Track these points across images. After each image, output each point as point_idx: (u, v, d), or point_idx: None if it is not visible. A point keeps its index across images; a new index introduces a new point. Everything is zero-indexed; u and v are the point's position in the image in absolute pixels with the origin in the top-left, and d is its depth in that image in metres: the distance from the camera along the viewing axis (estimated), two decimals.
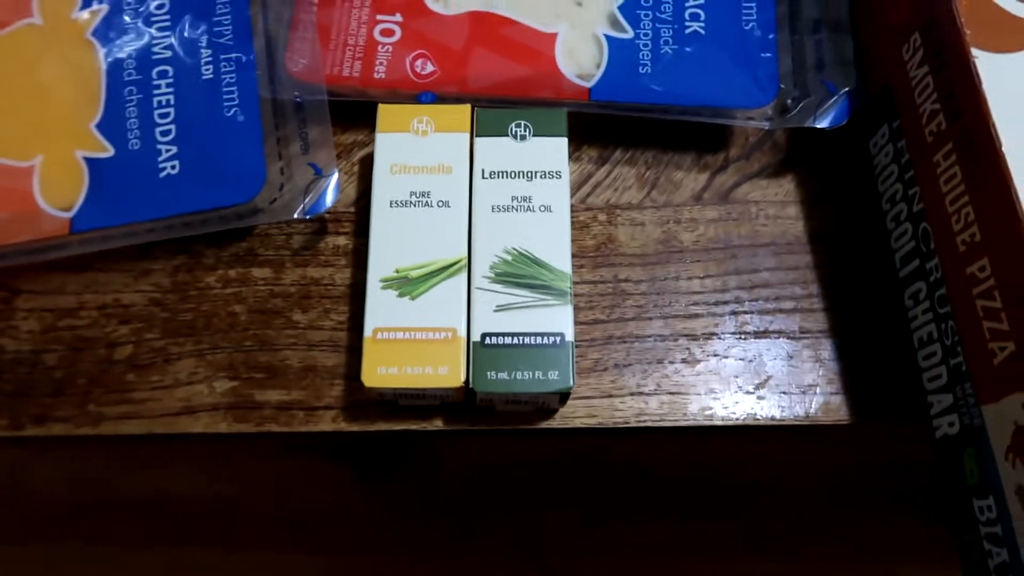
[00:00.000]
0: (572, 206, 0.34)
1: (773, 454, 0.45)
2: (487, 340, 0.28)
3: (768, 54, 0.33)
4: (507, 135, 0.31)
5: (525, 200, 0.30)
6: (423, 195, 0.30)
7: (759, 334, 0.32)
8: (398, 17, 0.34)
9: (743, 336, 0.32)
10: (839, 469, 0.50)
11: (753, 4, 0.34)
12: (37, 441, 0.31)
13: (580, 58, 0.33)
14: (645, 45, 0.33)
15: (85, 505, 0.53)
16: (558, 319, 0.29)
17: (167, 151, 0.31)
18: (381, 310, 0.29)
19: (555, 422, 0.31)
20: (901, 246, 0.32)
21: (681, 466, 0.50)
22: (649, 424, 0.31)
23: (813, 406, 0.31)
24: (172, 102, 0.32)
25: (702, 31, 0.33)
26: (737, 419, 0.31)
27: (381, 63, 0.33)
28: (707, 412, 0.31)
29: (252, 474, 0.50)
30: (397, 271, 0.29)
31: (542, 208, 0.30)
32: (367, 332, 0.28)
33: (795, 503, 0.53)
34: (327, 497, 0.53)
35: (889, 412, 0.31)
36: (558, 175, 0.30)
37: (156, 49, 0.33)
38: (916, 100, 0.29)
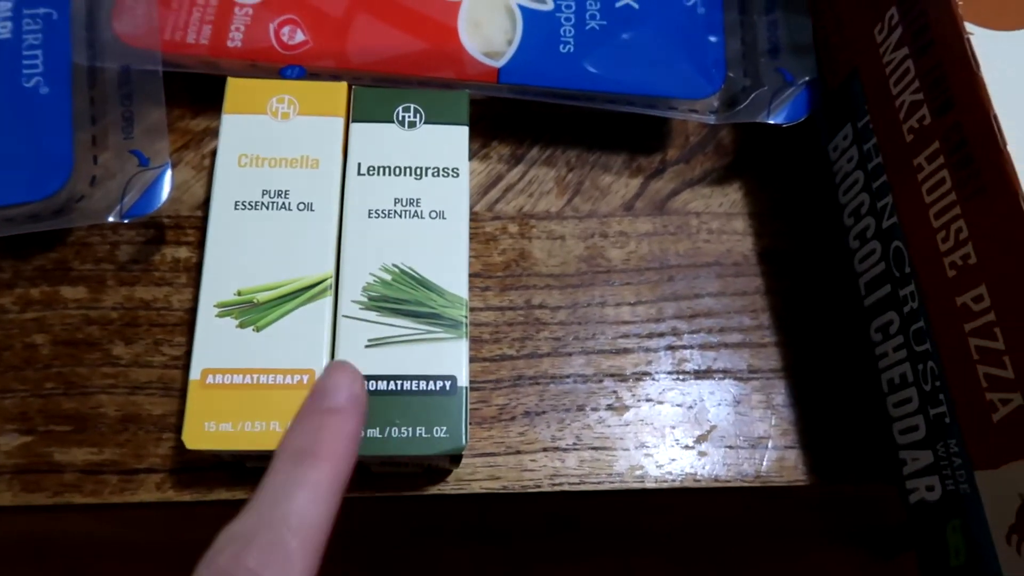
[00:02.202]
0: (475, 213, 0.28)
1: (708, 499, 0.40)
2: None
3: (714, 36, 0.27)
4: (392, 121, 0.25)
5: (412, 203, 0.24)
6: (279, 195, 0.23)
7: (700, 374, 0.26)
8: None
9: (681, 376, 0.26)
10: (780, 506, 0.46)
11: None
12: None
13: (488, 32, 0.27)
14: (567, 19, 0.27)
15: None
16: (449, 358, 0.22)
17: None
18: (214, 345, 0.22)
19: (447, 487, 0.24)
20: (867, 269, 0.26)
21: (605, 510, 0.45)
22: (566, 488, 0.25)
23: (764, 463, 0.26)
24: None
25: (635, 5, 0.28)
26: (674, 480, 0.25)
27: (237, 28, 0.26)
28: (637, 472, 0.25)
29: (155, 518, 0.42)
30: (239, 293, 0.22)
31: (433, 214, 0.24)
32: (194, 374, 0.21)
33: (727, 537, 0.49)
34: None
35: (854, 471, 0.26)
36: (455, 172, 0.24)
37: None
38: (891, 90, 0.24)
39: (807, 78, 0.27)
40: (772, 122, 0.26)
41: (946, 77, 0.21)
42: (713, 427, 0.26)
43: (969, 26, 0.21)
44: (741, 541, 0.49)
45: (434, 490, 0.24)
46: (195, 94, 0.28)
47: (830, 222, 0.28)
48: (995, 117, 0.20)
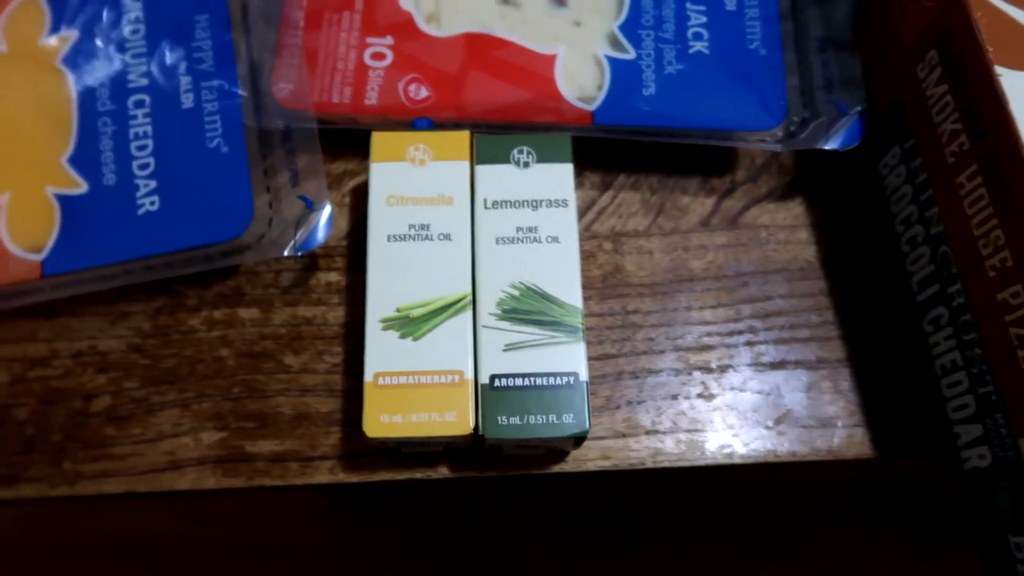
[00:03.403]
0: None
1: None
2: (496, 382, 0.27)
3: (775, 74, 0.32)
4: (509, 162, 0.29)
5: (531, 231, 0.28)
6: (422, 228, 0.28)
7: (776, 365, 0.31)
8: (389, 40, 0.32)
9: (759, 367, 0.31)
10: (836, 489, 0.49)
11: (757, 22, 0.32)
12: (5, 504, 0.28)
13: (581, 80, 0.32)
14: (648, 66, 0.32)
15: (42, 549, 0.50)
16: (571, 357, 0.27)
17: (146, 186, 0.29)
18: (382, 353, 0.27)
19: (568, 465, 0.29)
20: (918, 270, 0.30)
21: (665, 493, 0.49)
22: (667, 464, 0.29)
23: (835, 440, 0.30)
24: (150, 133, 0.30)
25: (706, 51, 0.32)
26: (758, 456, 0.30)
27: (372, 88, 0.31)
28: (726, 450, 0.30)
29: (227, 509, 0.47)
30: (398, 310, 0.27)
31: (549, 239, 0.28)
32: (367, 377, 0.27)
33: (779, 520, 0.52)
34: (305, 528, 0.50)
35: (914, 444, 0.30)
36: (564, 203, 0.29)
37: (132, 77, 0.31)
38: (934, 119, 0.28)
39: (858, 108, 0.31)
40: (829, 148, 0.30)
41: (980, 111, 0.26)
42: (789, 410, 0.30)
43: (999, 68, 0.25)
44: (797, 525, 0.53)
45: (556, 468, 0.29)
46: (332, 143, 0.33)
47: (882, 230, 0.33)
48: (1022, 146, 0.24)
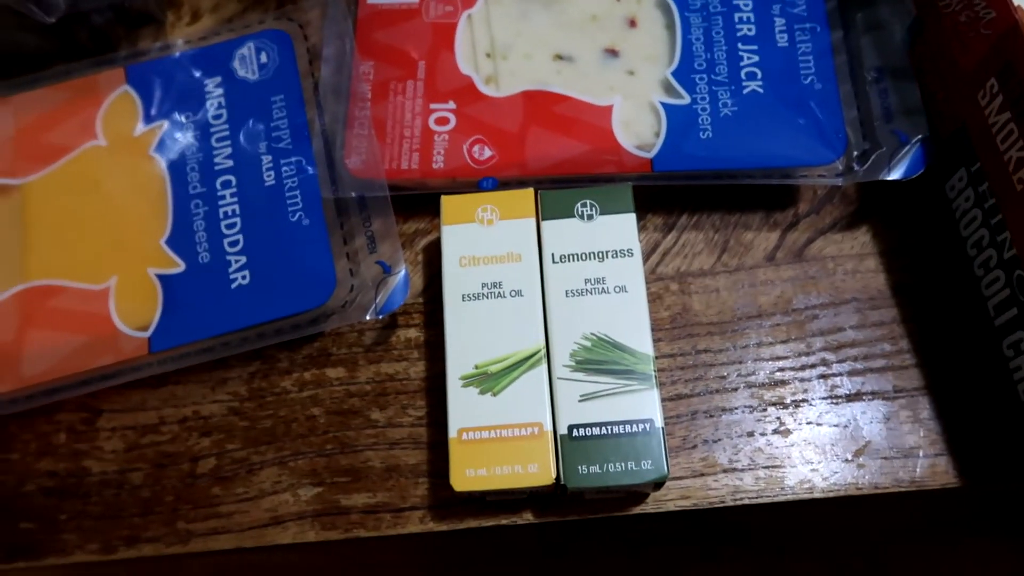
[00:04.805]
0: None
1: None
2: (575, 432, 0.28)
3: (832, 107, 0.32)
4: (574, 216, 0.31)
5: (599, 282, 0.29)
6: (495, 286, 0.30)
7: (851, 397, 0.31)
8: (451, 104, 0.34)
9: (835, 400, 0.31)
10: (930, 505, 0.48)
11: (810, 56, 0.33)
12: (127, 563, 0.31)
13: (638, 128, 0.33)
14: (703, 109, 0.33)
15: None
16: (645, 404, 0.28)
17: (237, 261, 0.31)
18: (464, 409, 0.28)
19: (648, 507, 0.30)
20: (994, 294, 0.30)
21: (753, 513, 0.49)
22: (746, 502, 0.30)
23: (918, 470, 0.30)
24: (238, 212, 0.32)
25: (760, 90, 0.33)
26: (839, 489, 0.30)
27: (439, 152, 0.33)
28: (806, 485, 0.30)
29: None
30: (476, 367, 0.29)
31: (617, 289, 0.29)
32: (452, 433, 0.28)
33: (878, 537, 0.51)
34: (405, 556, 0.52)
35: (1000, 470, 0.30)
36: (630, 253, 0.30)
37: (218, 159, 0.33)
38: (999, 145, 0.28)
39: (920, 136, 0.31)
40: (893, 178, 0.31)
41: None
42: (868, 442, 0.30)
43: None
44: (891, 541, 0.52)
45: (637, 510, 0.30)
46: (402, 204, 0.35)
47: (954, 255, 0.32)
48: None
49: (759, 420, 0.31)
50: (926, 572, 0.54)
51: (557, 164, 0.32)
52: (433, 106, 0.34)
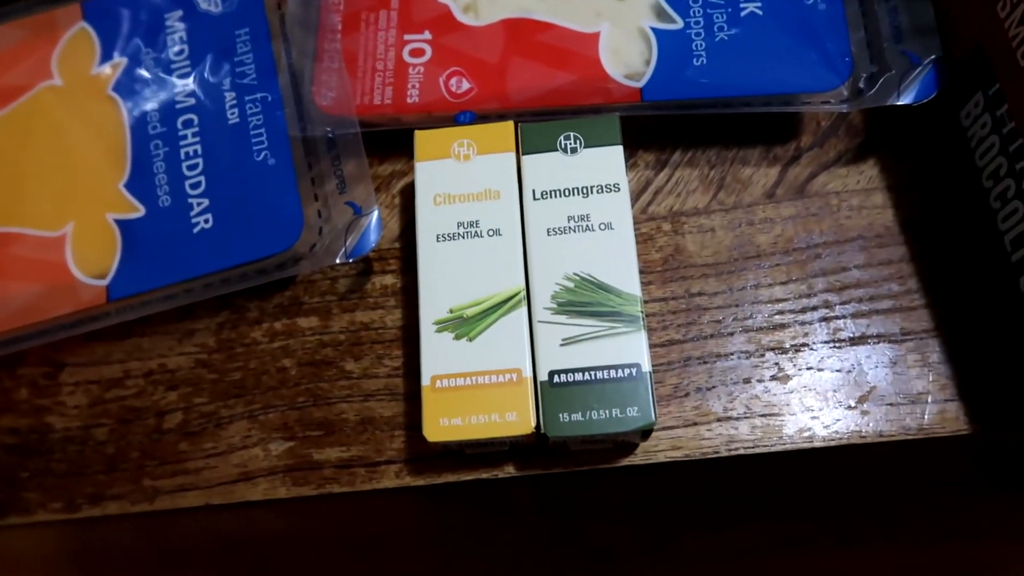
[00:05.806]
0: (633, 218, 0.31)
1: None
2: (556, 379, 0.26)
3: (836, 28, 0.30)
4: (556, 149, 0.28)
5: (583, 219, 0.27)
6: (471, 225, 0.28)
7: (855, 340, 0.29)
8: (427, 35, 0.31)
9: (838, 344, 0.29)
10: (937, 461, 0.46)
11: None
12: (92, 521, 0.29)
13: (627, 57, 0.30)
14: (697, 34, 0.30)
15: (153, 551, 0.52)
16: (632, 348, 0.26)
17: (199, 204, 0.29)
18: (438, 356, 0.26)
19: (636, 458, 0.28)
20: (1011, 227, 0.28)
21: (758, 471, 0.47)
22: (742, 452, 0.28)
23: (926, 417, 0.28)
24: (200, 152, 0.30)
25: (759, 11, 0.30)
26: (841, 438, 0.28)
27: (413, 86, 0.31)
28: (805, 433, 0.28)
29: (328, 510, 0.48)
30: (451, 311, 0.27)
31: (602, 226, 0.27)
32: (425, 381, 0.26)
33: (887, 490, 0.49)
34: (395, 521, 0.51)
35: (1015, 417, 0.28)
36: (616, 188, 0.28)
37: (179, 98, 0.31)
38: (1020, 61, 0.26)
39: (933, 56, 0.28)
40: (903, 103, 0.28)
41: None
42: (873, 387, 0.28)
43: None
44: (897, 499, 0.50)
45: (625, 462, 0.28)
46: (377, 145, 0.33)
47: (968, 187, 0.30)
48: None
49: (756, 366, 0.29)
50: (936, 531, 0.52)
51: (540, 96, 0.30)
52: (407, 37, 0.31)
